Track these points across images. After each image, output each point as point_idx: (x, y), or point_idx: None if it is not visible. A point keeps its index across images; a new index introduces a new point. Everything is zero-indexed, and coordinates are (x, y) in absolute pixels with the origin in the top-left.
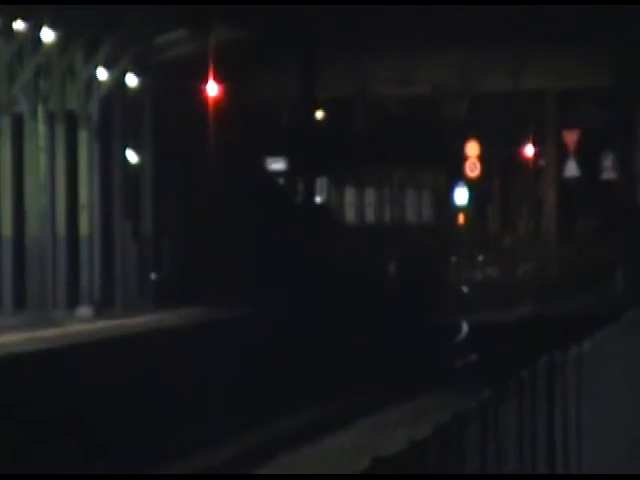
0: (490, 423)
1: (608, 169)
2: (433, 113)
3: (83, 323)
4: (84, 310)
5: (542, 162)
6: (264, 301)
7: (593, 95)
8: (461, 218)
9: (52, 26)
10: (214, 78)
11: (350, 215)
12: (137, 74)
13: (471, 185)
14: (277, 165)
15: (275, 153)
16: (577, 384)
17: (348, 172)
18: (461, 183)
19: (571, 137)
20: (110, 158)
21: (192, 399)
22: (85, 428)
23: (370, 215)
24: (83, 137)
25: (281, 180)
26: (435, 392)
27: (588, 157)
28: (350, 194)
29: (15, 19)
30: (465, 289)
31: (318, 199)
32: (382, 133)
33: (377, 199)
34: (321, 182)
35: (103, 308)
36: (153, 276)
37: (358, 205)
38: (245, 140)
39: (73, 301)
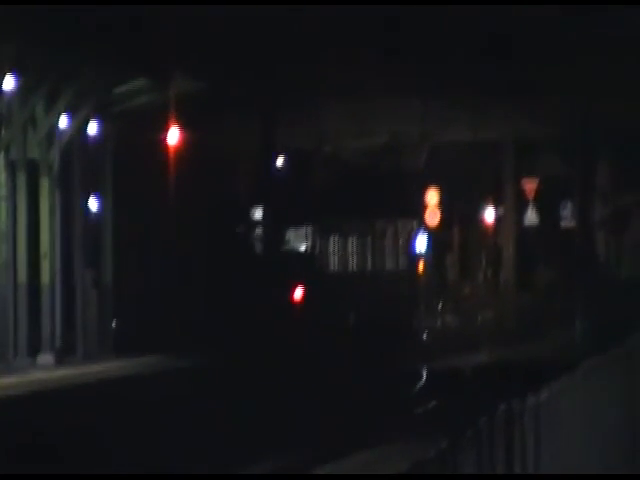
0: (449, 471)
1: (567, 218)
2: (393, 163)
3: (44, 371)
4: (45, 358)
5: (501, 210)
6: (226, 350)
7: (551, 144)
8: (420, 266)
9: (13, 75)
10: (174, 127)
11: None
12: (98, 123)
13: (430, 233)
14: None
15: (243, 203)
16: (535, 432)
17: (314, 223)
18: (420, 231)
19: (530, 186)
20: (71, 206)
21: (131, 443)
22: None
23: (342, 262)
24: (44, 185)
25: (257, 229)
26: (393, 440)
27: (547, 206)
28: (323, 244)
29: None
30: (424, 336)
31: (302, 247)
32: (347, 185)
33: (345, 248)
34: (295, 232)
35: (64, 356)
36: (114, 324)
37: (332, 253)
38: (208, 189)
39: (34, 349)
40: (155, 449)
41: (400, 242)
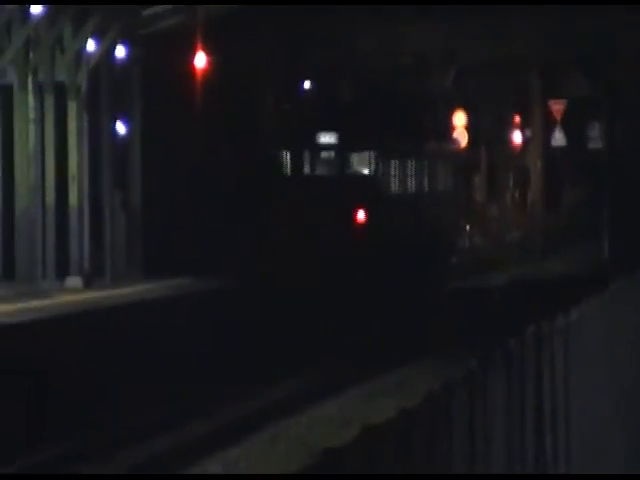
0: (478, 392)
1: (594, 139)
2: (420, 84)
3: (72, 294)
4: (73, 281)
5: (529, 132)
6: (257, 271)
7: (579, 64)
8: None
9: None
10: (202, 50)
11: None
12: (126, 46)
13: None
14: (324, 139)
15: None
16: (564, 353)
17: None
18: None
19: (557, 107)
20: (99, 129)
21: (175, 371)
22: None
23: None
24: (72, 108)
25: (325, 154)
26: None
27: (574, 127)
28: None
29: None
30: (454, 258)
31: (365, 170)
32: (392, 108)
33: (404, 170)
34: (358, 156)
35: (92, 279)
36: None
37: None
38: (237, 111)
39: (62, 272)
40: (181, 372)
41: (444, 164)
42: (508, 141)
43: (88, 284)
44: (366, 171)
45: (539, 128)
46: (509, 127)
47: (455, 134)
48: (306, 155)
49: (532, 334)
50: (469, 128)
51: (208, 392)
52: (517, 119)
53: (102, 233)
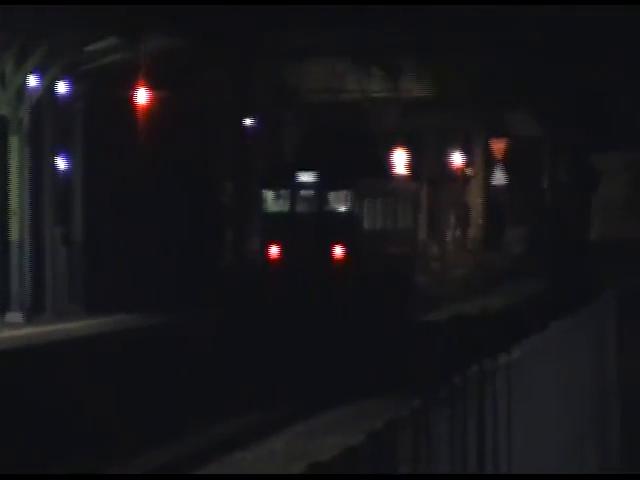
0: (421, 430)
1: (536, 177)
2: (362, 122)
3: (12, 329)
4: (14, 316)
5: (470, 171)
6: (198, 307)
7: (522, 104)
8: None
9: None
10: (145, 85)
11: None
12: (68, 81)
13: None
14: (304, 178)
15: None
16: (507, 391)
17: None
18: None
19: (499, 146)
20: (41, 164)
21: (102, 402)
22: None
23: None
24: (14, 143)
25: (304, 192)
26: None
27: (516, 166)
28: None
29: None
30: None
31: (342, 208)
32: (358, 148)
33: (372, 208)
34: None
35: (33, 314)
36: (83, 282)
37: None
38: (179, 147)
39: (3, 307)
40: (114, 405)
41: (399, 202)
42: (450, 179)
43: (29, 319)
44: (342, 208)
45: (480, 167)
46: (451, 165)
47: (395, 172)
48: (286, 193)
49: (475, 372)
50: (411, 166)
51: (136, 431)
52: (459, 158)
53: (43, 268)
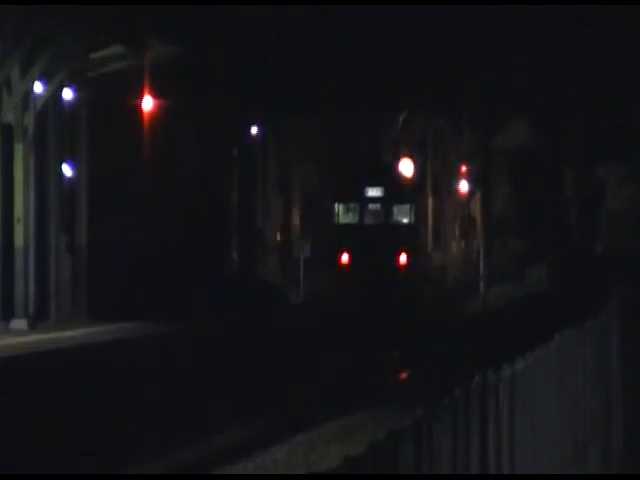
0: (424, 441)
1: (538, 190)
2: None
3: (17, 336)
4: (18, 323)
5: (474, 183)
6: (201, 315)
7: (526, 115)
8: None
9: None
10: (149, 93)
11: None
12: (73, 88)
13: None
14: (373, 192)
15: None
16: (510, 402)
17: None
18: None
19: (502, 158)
20: (46, 171)
21: (103, 413)
22: None
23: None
24: (19, 150)
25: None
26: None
27: (518, 178)
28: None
29: None
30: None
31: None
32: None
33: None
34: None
35: (37, 321)
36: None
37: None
38: (184, 153)
39: (7, 314)
40: (122, 413)
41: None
42: (455, 191)
43: (33, 326)
44: (405, 220)
45: (484, 179)
46: (456, 177)
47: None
48: (356, 206)
49: (477, 383)
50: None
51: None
52: (464, 169)
53: (48, 275)
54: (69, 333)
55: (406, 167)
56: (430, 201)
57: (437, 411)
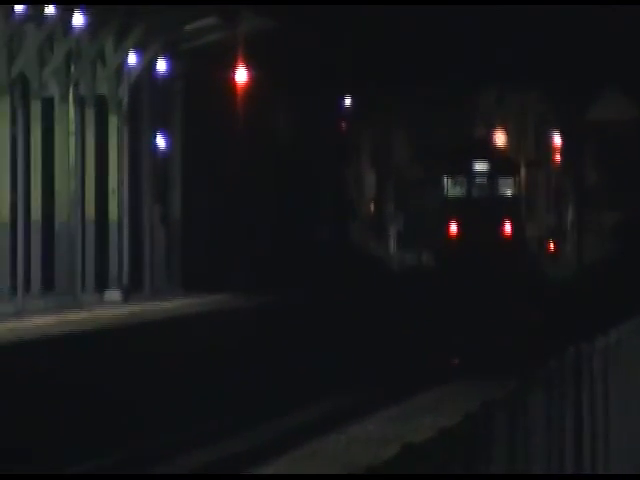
0: (519, 413)
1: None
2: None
3: (111, 307)
4: (112, 294)
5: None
6: (296, 288)
7: (618, 84)
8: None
9: (83, 11)
10: (243, 65)
11: None
12: (167, 60)
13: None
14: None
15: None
16: (604, 374)
17: None
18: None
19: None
20: (140, 143)
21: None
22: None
23: None
24: (113, 122)
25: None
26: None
27: (615, 149)
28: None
29: (46, 4)
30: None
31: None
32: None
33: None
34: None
35: (131, 292)
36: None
37: None
38: (278, 128)
39: (102, 285)
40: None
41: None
42: (549, 162)
43: (126, 298)
44: (509, 192)
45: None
46: (550, 149)
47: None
48: (464, 179)
49: (572, 355)
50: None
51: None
52: (558, 141)
53: (141, 247)
54: (163, 305)
55: (500, 140)
56: (524, 173)
57: (531, 383)
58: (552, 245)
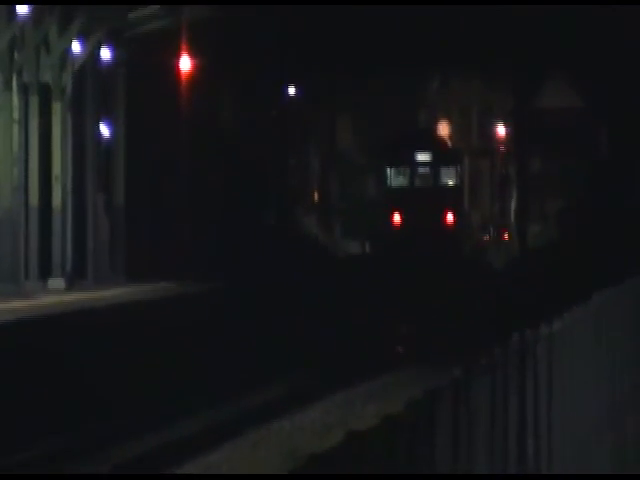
0: (461, 399)
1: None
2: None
3: (54, 295)
4: (56, 282)
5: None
6: (237, 274)
7: (564, 73)
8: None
9: None
10: (187, 53)
11: None
12: (111, 48)
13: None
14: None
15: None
16: (548, 361)
17: None
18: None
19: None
20: (83, 130)
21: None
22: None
23: None
24: (57, 109)
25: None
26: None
27: (555, 140)
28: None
29: None
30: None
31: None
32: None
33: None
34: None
35: (75, 280)
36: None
37: None
38: (221, 114)
39: (45, 273)
40: (155, 373)
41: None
42: (492, 151)
43: (70, 285)
44: (451, 182)
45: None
46: (494, 137)
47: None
48: (406, 170)
49: (516, 342)
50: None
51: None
52: (502, 129)
53: (85, 234)
54: (106, 292)
55: (444, 130)
56: (467, 162)
57: (475, 370)
58: (496, 233)
